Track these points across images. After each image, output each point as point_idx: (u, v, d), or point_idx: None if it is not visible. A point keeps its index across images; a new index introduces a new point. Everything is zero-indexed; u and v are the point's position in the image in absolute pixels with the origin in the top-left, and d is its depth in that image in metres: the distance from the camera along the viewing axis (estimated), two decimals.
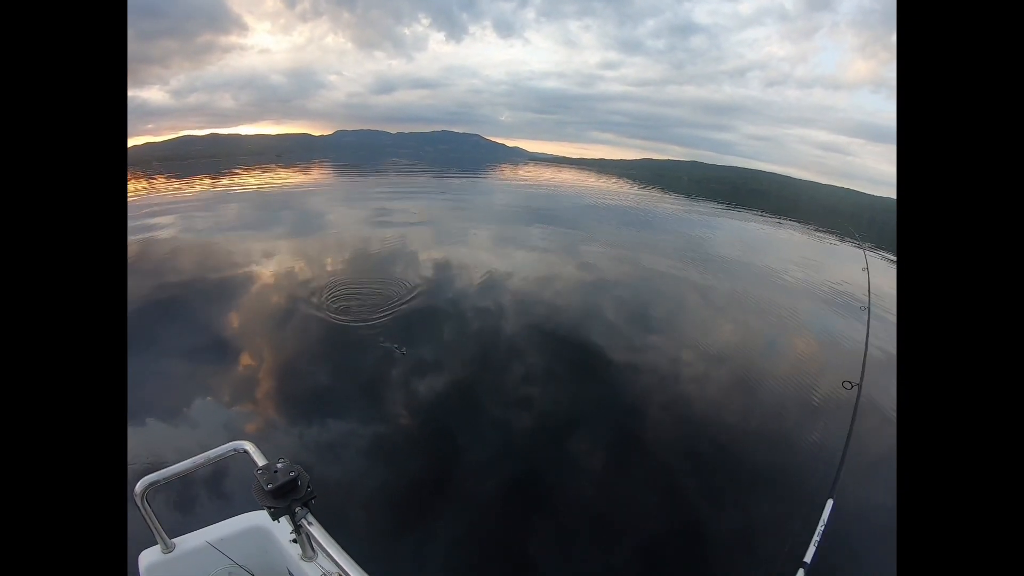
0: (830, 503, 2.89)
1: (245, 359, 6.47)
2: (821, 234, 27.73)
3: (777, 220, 31.97)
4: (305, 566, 1.91)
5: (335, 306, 8.08)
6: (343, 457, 4.77)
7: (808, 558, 2.46)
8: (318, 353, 6.64)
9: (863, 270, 8.30)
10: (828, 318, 11.05)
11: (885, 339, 10.10)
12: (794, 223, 31.47)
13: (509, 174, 52.30)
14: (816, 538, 2.61)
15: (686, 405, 6.37)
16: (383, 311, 7.90)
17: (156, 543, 1.93)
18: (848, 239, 26.24)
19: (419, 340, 7.08)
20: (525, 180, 43.89)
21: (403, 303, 8.20)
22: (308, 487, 1.61)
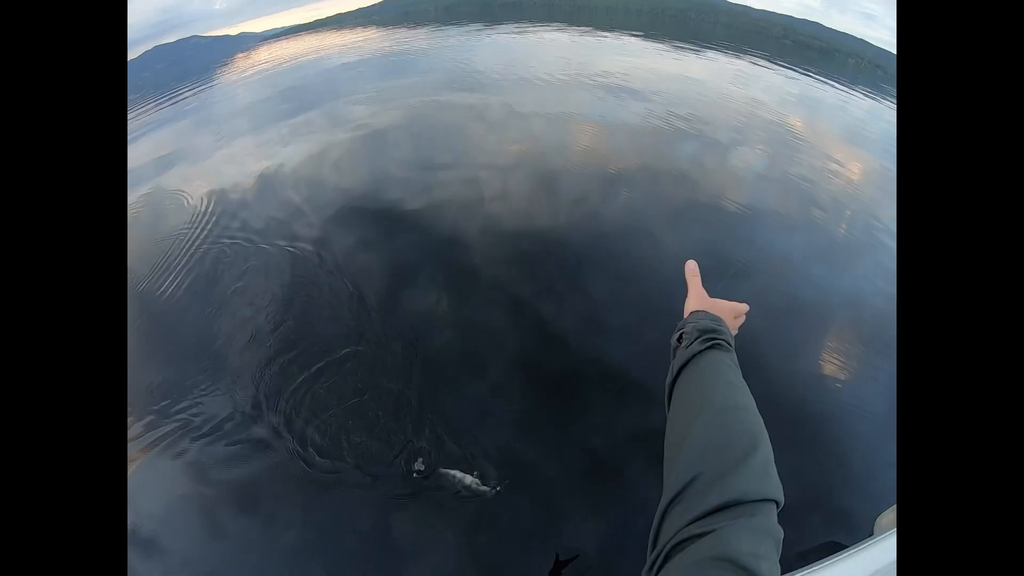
0: None
1: None
2: (581, 32, 28.60)
3: (535, 27, 32.03)
4: None
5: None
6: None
7: None
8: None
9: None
10: (599, 105, 11.89)
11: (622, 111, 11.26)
12: (552, 26, 31.85)
13: (244, 65, 43.80)
14: None
15: (494, 219, 6.47)
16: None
17: None
18: (605, 31, 27.55)
19: (224, 292, 5.69)
20: (263, 66, 37.22)
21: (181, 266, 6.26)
22: None
